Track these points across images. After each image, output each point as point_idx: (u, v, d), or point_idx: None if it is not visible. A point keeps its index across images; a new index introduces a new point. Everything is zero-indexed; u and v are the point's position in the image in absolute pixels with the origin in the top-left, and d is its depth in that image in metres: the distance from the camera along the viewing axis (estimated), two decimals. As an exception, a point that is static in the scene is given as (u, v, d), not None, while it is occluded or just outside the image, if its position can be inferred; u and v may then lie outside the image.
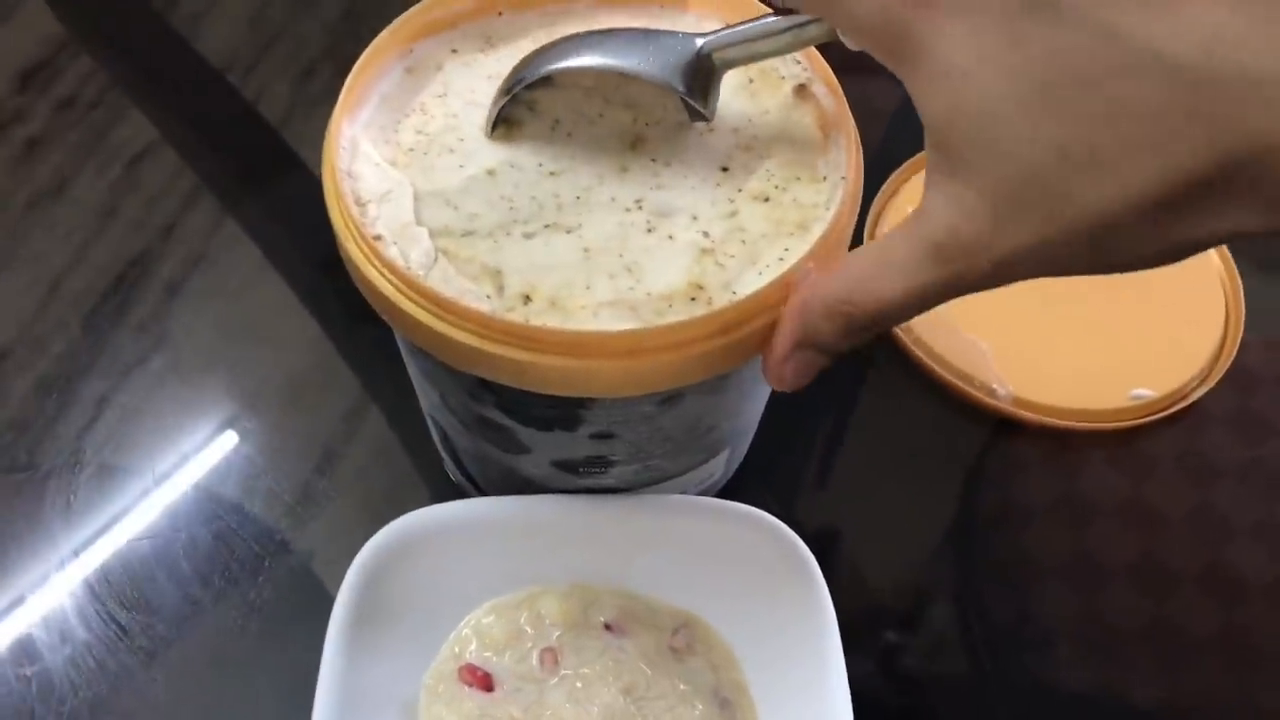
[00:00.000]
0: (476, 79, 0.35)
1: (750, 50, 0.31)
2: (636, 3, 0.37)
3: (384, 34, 0.34)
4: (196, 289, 0.51)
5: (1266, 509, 0.46)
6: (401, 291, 0.29)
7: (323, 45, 0.62)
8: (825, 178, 0.33)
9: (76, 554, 0.43)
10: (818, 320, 0.28)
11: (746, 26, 0.31)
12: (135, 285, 0.51)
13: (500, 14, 0.36)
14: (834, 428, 0.47)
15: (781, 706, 0.35)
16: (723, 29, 0.31)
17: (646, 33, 0.32)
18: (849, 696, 0.33)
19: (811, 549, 0.35)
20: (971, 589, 0.43)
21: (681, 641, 0.37)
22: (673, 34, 0.32)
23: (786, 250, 0.31)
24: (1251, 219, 0.21)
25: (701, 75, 0.31)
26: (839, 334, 0.28)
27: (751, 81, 0.35)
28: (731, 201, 0.32)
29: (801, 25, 0.29)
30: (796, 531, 0.36)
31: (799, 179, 0.33)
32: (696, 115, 0.33)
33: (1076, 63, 0.22)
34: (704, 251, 0.31)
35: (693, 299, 0.30)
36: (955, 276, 0.25)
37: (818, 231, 0.31)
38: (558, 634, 0.37)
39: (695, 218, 0.32)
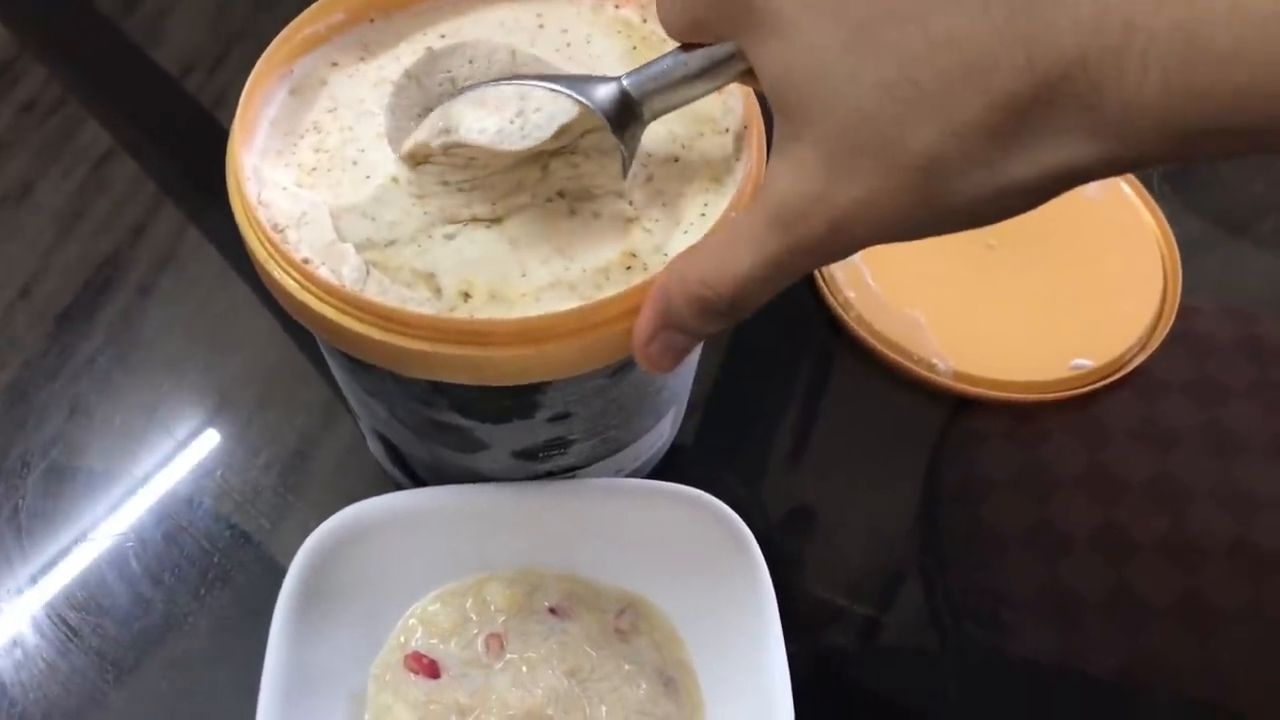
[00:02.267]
0: (363, 88, 0.34)
1: (677, 97, 0.29)
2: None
3: (262, 59, 0.33)
4: (166, 291, 0.51)
5: (1223, 472, 0.46)
6: (344, 311, 0.29)
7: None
8: (727, 129, 0.34)
9: (26, 557, 0.42)
10: (677, 303, 0.27)
11: (660, 67, 0.29)
12: (103, 290, 0.51)
13: (372, 21, 0.36)
14: (797, 411, 0.47)
15: (724, 682, 0.36)
16: (642, 67, 0.30)
17: (573, 76, 0.31)
18: (787, 672, 0.33)
19: (776, 533, 0.36)
20: (935, 564, 0.43)
21: (626, 622, 0.38)
22: (600, 77, 0.30)
23: (706, 205, 0.32)
24: (1081, 148, 0.21)
25: (627, 116, 0.30)
26: (698, 316, 0.27)
27: (635, 49, 0.35)
28: (645, 167, 0.33)
29: (722, 61, 0.27)
30: (763, 515, 0.36)
31: (702, 135, 0.34)
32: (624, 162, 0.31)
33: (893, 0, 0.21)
34: (629, 221, 0.32)
35: (628, 268, 0.31)
36: (798, 241, 0.24)
37: (730, 183, 0.32)
38: (503, 619, 0.37)
39: (619, 195, 0.32)
